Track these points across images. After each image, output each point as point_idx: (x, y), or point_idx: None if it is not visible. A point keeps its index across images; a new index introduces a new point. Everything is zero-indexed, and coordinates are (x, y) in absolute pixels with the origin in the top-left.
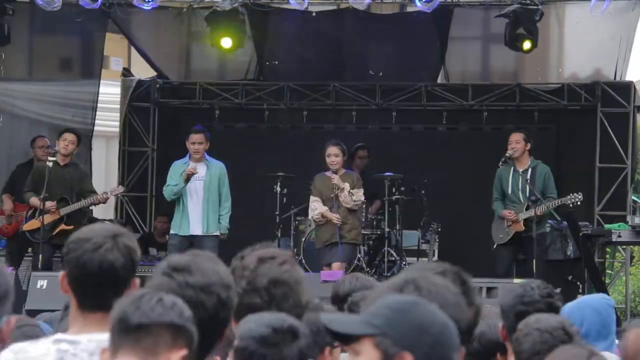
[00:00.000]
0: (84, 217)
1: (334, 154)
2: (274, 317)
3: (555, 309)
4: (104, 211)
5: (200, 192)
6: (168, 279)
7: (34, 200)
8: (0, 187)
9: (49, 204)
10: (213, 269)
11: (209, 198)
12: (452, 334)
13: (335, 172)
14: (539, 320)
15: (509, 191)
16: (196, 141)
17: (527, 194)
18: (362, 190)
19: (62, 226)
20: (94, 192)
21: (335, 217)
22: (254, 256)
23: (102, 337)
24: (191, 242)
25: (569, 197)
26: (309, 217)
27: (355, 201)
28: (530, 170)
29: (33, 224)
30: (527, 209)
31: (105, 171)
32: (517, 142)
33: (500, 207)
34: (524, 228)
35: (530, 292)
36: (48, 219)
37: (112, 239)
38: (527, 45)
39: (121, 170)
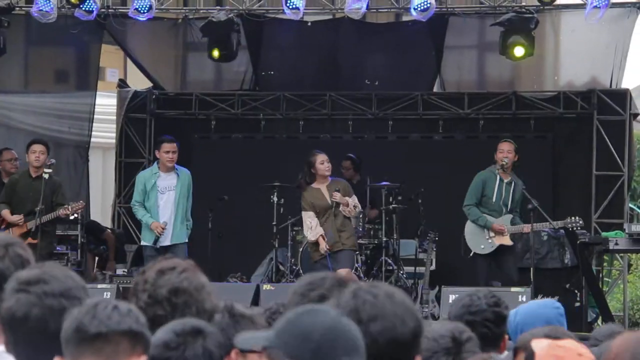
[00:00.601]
0: (53, 231)
1: (327, 160)
2: (178, 322)
3: (502, 318)
4: (101, 222)
5: (171, 204)
6: (25, 294)
7: (5, 213)
8: None
9: (16, 217)
10: (66, 274)
11: (178, 208)
12: (340, 338)
13: (325, 180)
14: (430, 328)
15: (493, 199)
16: (170, 150)
17: (509, 206)
18: (355, 197)
19: (29, 240)
20: (63, 204)
21: (324, 248)
22: (153, 269)
23: None
24: (165, 251)
25: (569, 220)
26: (305, 234)
27: (355, 208)
28: (513, 183)
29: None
30: (512, 223)
31: (102, 182)
32: (509, 152)
33: (479, 214)
34: (511, 243)
35: (477, 302)
36: (15, 232)
37: (3, 248)
38: (518, 51)
39: (118, 181)
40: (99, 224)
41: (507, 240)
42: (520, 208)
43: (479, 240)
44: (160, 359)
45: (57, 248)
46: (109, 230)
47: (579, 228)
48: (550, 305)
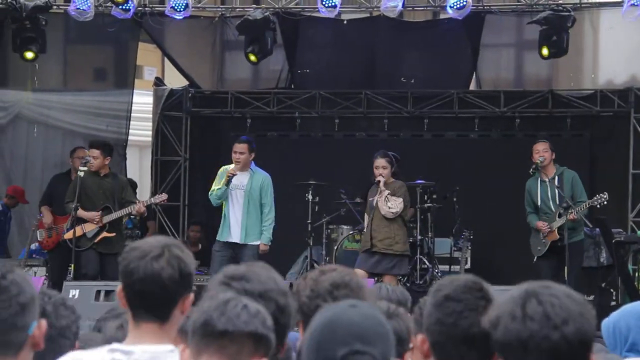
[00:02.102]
0: (122, 225)
1: (382, 166)
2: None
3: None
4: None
5: (240, 201)
6: (225, 288)
7: (81, 212)
8: (36, 197)
9: (93, 214)
10: (269, 276)
11: (249, 207)
12: (335, 332)
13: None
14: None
15: (539, 202)
16: (237, 150)
17: (558, 202)
18: (400, 200)
19: (104, 234)
20: (134, 201)
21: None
22: (316, 270)
23: (157, 349)
24: (233, 249)
25: (595, 198)
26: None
27: (390, 208)
28: (557, 177)
29: (75, 232)
30: (559, 217)
31: (138, 180)
32: (544, 151)
33: (534, 220)
34: (558, 237)
35: None
36: (90, 227)
37: (161, 248)
38: (544, 51)
39: (154, 179)
40: (152, 212)
41: (554, 236)
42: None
43: (536, 243)
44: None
45: (125, 242)
46: (153, 222)
47: (604, 203)
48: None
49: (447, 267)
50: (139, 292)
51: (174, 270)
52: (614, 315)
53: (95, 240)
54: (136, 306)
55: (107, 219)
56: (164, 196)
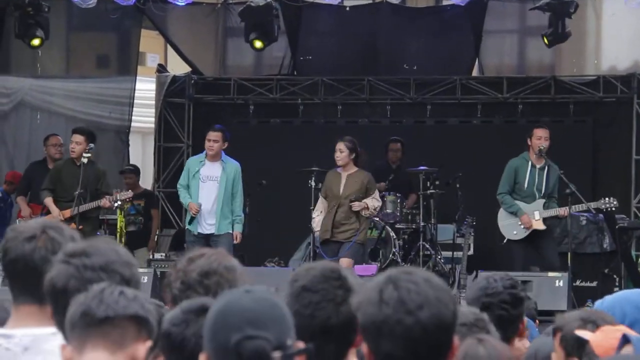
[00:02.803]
0: (97, 217)
1: (338, 149)
2: (191, 301)
3: (519, 300)
4: None
5: (213, 193)
6: (65, 265)
7: (48, 201)
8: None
9: (55, 212)
10: (111, 248)
11: (223, 199)
12: (227, 318)
13: (346, 168)
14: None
15: (525, 185)
16: (211, 139)
17: (543, 192)
18: (377, 193)
19: (72, 225)
20: (108, 193)
21: (317, 233)
22: (184, 258)
23: (38, 332)
24: (206, 240)
25: (602, 202)
26: (313, 216)
27: (375, 209)
28: (546, 167)
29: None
30: (543, 206)
31: (141, 167)
32: (546, 139)
33: (513, 203)
34: (544, 227)
35: (493, 284)
36: (61, 218)
37: (36, 230)
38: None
39: (157, 165)
40: (156, 199)
41: (539, 225)
42: (558, 192)
43: (512, 227)
44: (164, 334)
45: (97, 233)
46: (156, 210)
47: (612, 209)
48: (638, 291)
49: (450, 253)
50: (13, 273)
51: (47, 252)
52: (609, 299)
53: None
54: (13, 287)
55: (73, 210)
56: (129, 194)
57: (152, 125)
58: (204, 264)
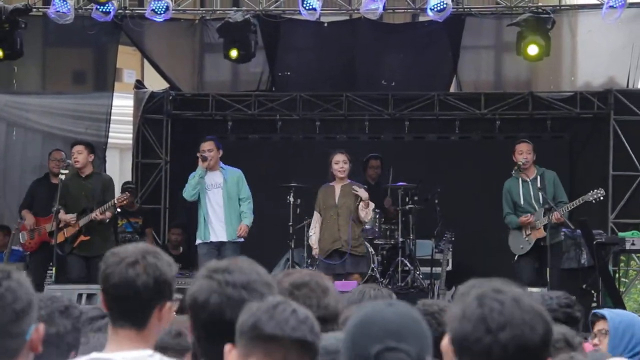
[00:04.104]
0: (107, 227)
1: (342, 161)
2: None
3: (574, 320)
4: None
5: (219, 201)
6: (208, 280)
7: (63, 216)
8: (17, 200)
9: (69, 217)
10: (252, 268)
11: (229, 204)
12: (369, 329)
13: (342, 180)
14: None
15: (521, 202)
16: (205, 149)
17: (541, 202)
18: (373, 205)
19: (81, 237)
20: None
21: (315, 251)
22: (281, 273)
23: (135, 355)
24: (219, 248)
25: (590, 193)
26: (309, 234)
27: (367, 214)
28: (538, 178)
29: (58, 237)
30: (544, 215)
31: (119, 183)
32: (528, 153)
33: (514, 220)
34: (545, 234)
35: (548, 302)
36: (71, 231)
37: (137, 255)
38: (532, 50)
39: (135, 182)
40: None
41: (541, 233)
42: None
43: (518, 242)
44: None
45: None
46: (150, 229)
47: (601, 198)
48: None
49: (429, 269)
50: (114, 298)
51: (149, 277)
52: (629, 315)
53: (74, 245)
54: (113, 311)
55: (82, 222)
56: (126, 196)
57: (130, 142)
58: (296, 277)
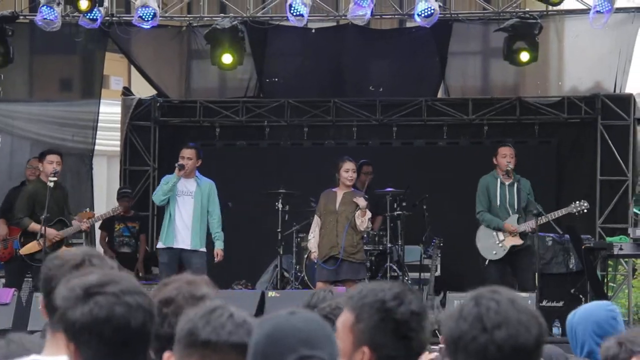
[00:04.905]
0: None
1: (352, 169)
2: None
3: None
4: None
5: (189, 208)
6: (102, 296)
7: (35, 227)
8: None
9: (53, 233)
10: (121, 275)
11: (198, 214)
12: (279, 340)
13: (346, 188)
14: None
15: (497, 203)
16: (185, 156)
17: (516, 207)
18: (369, 214)
19: (64, 248)
20: (71, 214)
21: (314, 255)
22: (160, 283)
23: None
24: (179, 256)
25: (572, 205)
26: (308, 237)
27: (363, 222)
28: (515, 184)
29: (31, 247)
30: (518, 221)
31: (106, 190)
32: (511, 157)
33: (492, 219)
34: (522, 241)
35: None
36: (48, 241)
37: (81, 258)
38: (524, 56)
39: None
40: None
41: (517, 240)
42: (525, 211)
43: (491, 247)
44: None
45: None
46: (144, 235)
47: (584, 211)
48: (603, 307)
49: (417, 274)
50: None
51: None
52: (579, 313)
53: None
54: (53, 316)
55: (66, 232)
56: (91, 214)
57: (117, 148)
58: (167, 291)
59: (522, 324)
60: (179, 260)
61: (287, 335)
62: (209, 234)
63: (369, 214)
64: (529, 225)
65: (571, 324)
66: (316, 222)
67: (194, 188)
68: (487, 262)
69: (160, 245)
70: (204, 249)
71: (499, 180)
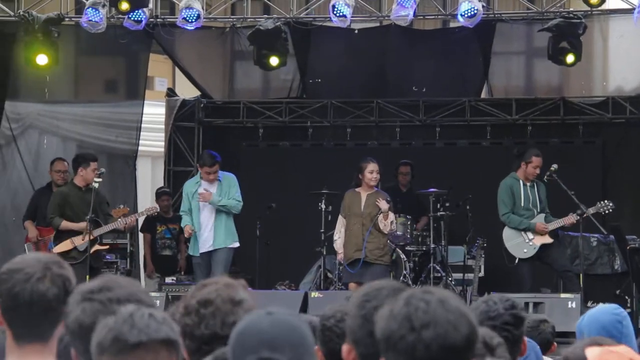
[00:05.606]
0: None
1: (376, 170)
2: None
3: (520, 320)
4: None
5: (212, 211)
6: (89, 303)
7: (67, 224)
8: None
9: (82, 224)
10: (127, 281)
11: (220, 212)
12: (245, 340)
13: (370, 188)
14: None
15: (522, 203)
16: (212, 172)
17: (539, 207)
18: (393, 215)
19: (97, 246)
20: (111, 215)
21: (340, 256)
22: (197, 285)
23: None
24: (209, 256)
25: (598, 205)
26: (334, 238)
27: (386, 225)
28: (535, 185)
29: (63, 246)
30: (545, 220)
31: (151, 191)
32: (540, 166)
33: (519, 219)
34: (550, 240)
35: (494, 307)
36: (79, 240)
37: (44, 269)
38: (570, 58)
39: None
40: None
41: (547, 239)
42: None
43: (521, 246)
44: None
45: (107, 257)
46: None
47: (609, 210)
48: (609, 311)
49: (461, 275)
50: (25, 315)
51: (60, 290)
52: (587, 316)
53: (91, 252)
54: (20, 328)
55: (99, 232)
56: (154, 208)
57: (161, 149)
58: (206, 293)
59: (451, 324)
60: (209, 260)
61: (252, 335)
62: (239, 230)
63: (391, 217)
64: (558, 223)
65: (580, 328)
66: (341, 222)
67: (215, 189)
68: (517, 261)
69: (191, 253)
70: (231, 245)
71: (521, 182)
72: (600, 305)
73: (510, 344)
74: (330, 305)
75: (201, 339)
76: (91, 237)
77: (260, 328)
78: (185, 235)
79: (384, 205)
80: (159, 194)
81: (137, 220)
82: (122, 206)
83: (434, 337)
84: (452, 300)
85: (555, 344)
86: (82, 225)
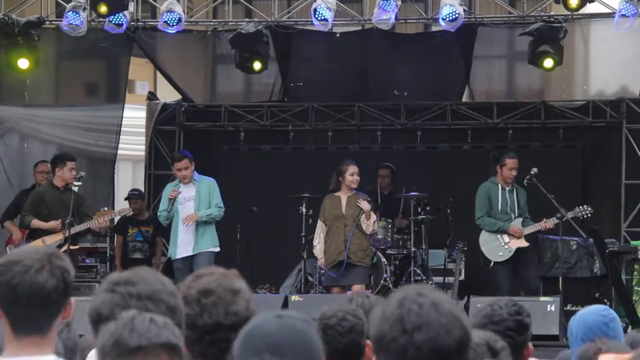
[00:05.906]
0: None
1: (356, 173)
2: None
3: (524, 326)
4: None
5: (191, 212)
6: (110, 294)
7: (37, 223)
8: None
9: (53, 223)
10: (155, 278)
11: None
12: (251, 341)
13: (349, 191)
14: None
15: (499, 207)
16: (181, 167)
17: (517, 212)
18: (374, 216)
19: (67, 246)
20: (90, 215)
21: (321, 261)
22: (193, 274)
23: (43, 359)
24: (190, 260)
25: (577, 210)
26: (314, 243)
27: (369, 226)
28: (514, 189)
29: (34, 244)
30: (522, 224)
31: None
32: (516, 169)
33: (494, 222)
34: (526, 243)
35: (499, 311)
36: (51, 240)
37: (43, 261)
38: (548, 63)
39: (147, 193)
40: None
41: (522, 242)
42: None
43: (496, 249)
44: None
45: (87, 260)
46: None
47: (588, 215)
48: (597, 312)
49: (441, 278)
50: (24, 307)
51: (59, 282)
52: (577, 316)
53: (62, 251)
54: (18, 320)
55: (72, 230)
56: (128, 209)
57: (142, 153)
58: (205, 282)
59: (443, 327)
60: (191, 264)
61: (258, 337)
62: (220, 233)
63: (373, 217)
64: (535, 227)
65: (570, 328)
66: (321, 227)
67: (193, 192)
68: (492, 264)
69: (171, 257)
70: (212, 249)
71: (499, 186)
72: (593, 306)
73: (513, 349)
74: (329, 305)
75: (204, 329)
76: (62, 236)
77: (266, 331)
78: (170, 196)
79: (365, 205)
80: (129, 197)
81: (110, 221)
82: (105, 209)
83: (425, 340)
84: (445, 303)
85: (531, 346)
86: (53, 224)
